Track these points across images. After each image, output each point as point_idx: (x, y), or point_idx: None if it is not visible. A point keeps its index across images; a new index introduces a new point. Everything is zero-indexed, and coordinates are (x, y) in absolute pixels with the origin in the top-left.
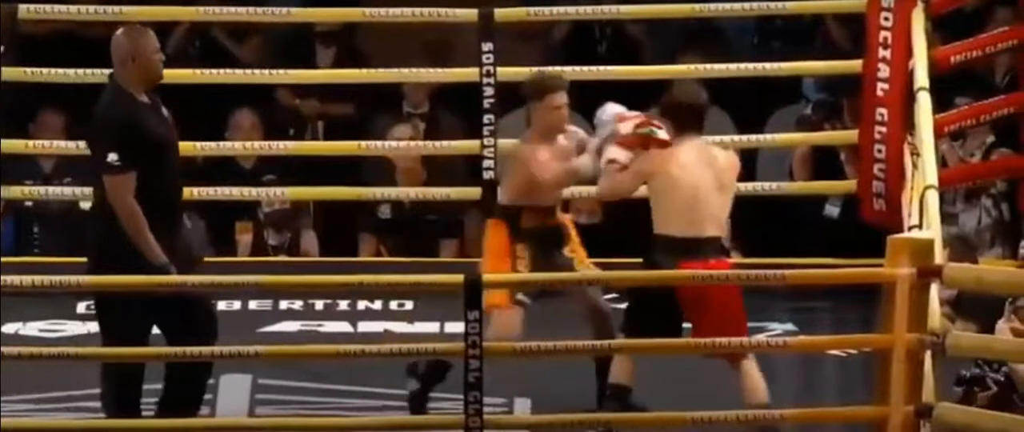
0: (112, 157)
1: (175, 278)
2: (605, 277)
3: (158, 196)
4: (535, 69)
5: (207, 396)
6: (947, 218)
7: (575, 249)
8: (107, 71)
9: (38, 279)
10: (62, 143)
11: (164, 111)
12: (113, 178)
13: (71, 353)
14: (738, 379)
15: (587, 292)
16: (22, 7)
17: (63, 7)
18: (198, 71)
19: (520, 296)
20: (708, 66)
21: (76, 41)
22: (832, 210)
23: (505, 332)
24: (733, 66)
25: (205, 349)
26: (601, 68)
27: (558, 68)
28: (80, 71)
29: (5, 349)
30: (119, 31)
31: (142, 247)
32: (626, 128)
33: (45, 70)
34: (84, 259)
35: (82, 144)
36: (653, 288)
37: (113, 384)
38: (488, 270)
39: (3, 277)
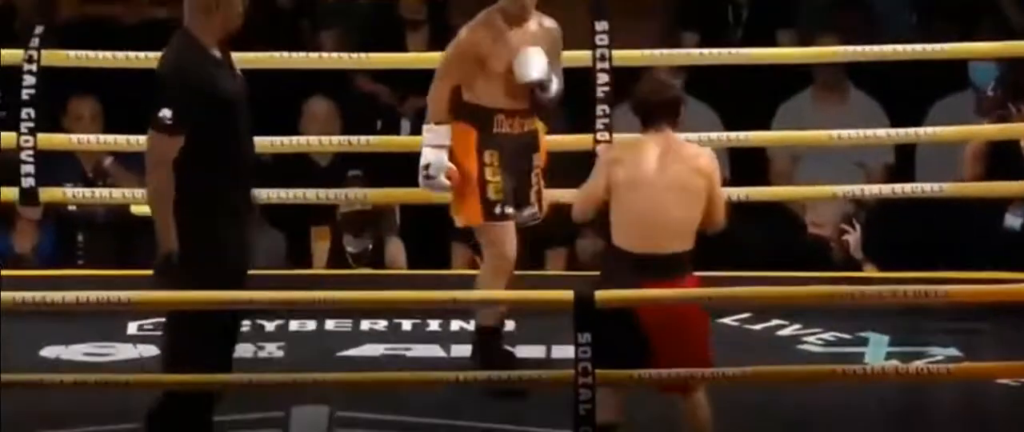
0: (164, 113)
1: (241, 294)
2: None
3: (230, 162)
4: None
5: None
6: None
7: (540, 161)
8: (141, 54)
9: (83, 295)
10: (108, 137)
11: (237, 69)
12: (157, 136)
13: (121, 380)
14: (687, 411)
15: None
16: None
17: None
18: (269, 54)
19: (499, 209)
20: (856, 48)
21: (104, 28)
22: (1014, 221)
23: (506, 249)
24: (887, 48)
25: (277, 378)
26: (733, 51)
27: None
28: (120, 55)
29: (46, 377)
30: None
31: (158, 224)
32: None
33: (87, 53)
34: (135, 271)
35: (133, 138)
36: (613, 311)
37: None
38: (456, 183)
39: (45, 293)
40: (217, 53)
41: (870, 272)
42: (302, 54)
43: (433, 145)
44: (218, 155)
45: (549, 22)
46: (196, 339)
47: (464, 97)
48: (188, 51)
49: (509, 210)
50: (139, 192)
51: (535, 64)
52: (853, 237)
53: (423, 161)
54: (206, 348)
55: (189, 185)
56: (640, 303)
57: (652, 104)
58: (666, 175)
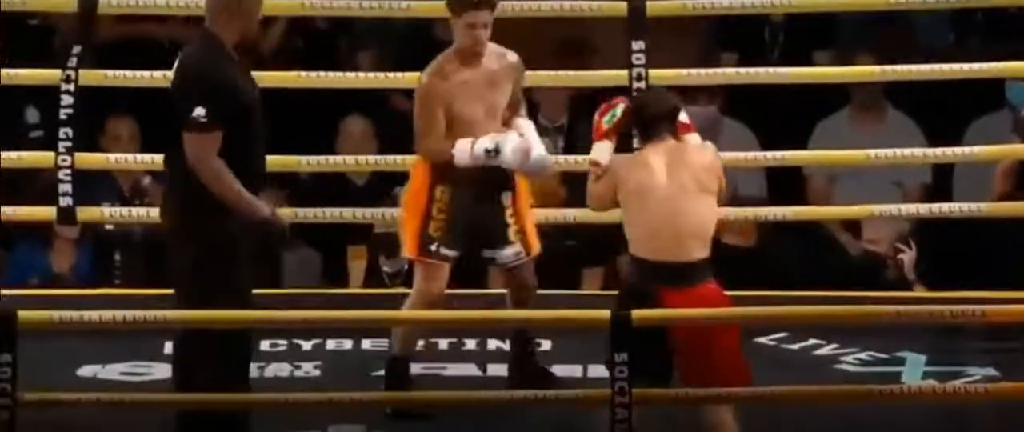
0: (198, 112)
1: (277, 314)
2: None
3: (245, 167)
4: None
5: None
6: None
7: (518, 199)
8: None
9: (120, 314)
10: (145, 157)
11: (251, 73)
12: (197, 136)
13: (160, 399)
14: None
15: (520, 264)
16: (102, 0)
17: None
18: (304, 74)
19: (434, 246)
20: (893, 68)
21: (143, 46)
22: None
23: (433, 288)
24: (924, 67)
25: (314, 397)
26: (770, 70)
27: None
28: (157, 74)
29: (83, 396)
30: None
31: (241, 206)
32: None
33: (124, 73)
34: (171, 290)
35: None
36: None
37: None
38: (405, 209)
39: (82, 312)
40: (235, 56)
41: (920, 292)
42: (338, 74)
43: (466, 148)
44: (235, 159)
45: (511, 56)
46: (213, 349)
47: None
48: (212, 52)
49: (445, 251)
50: None
51: (521, 157)
52: (908, 257)
53: (479, 153)
54: (223, 359)
55: (204, 188)
56: (677, 323)
57: (655, 115)
58: (677, 181)
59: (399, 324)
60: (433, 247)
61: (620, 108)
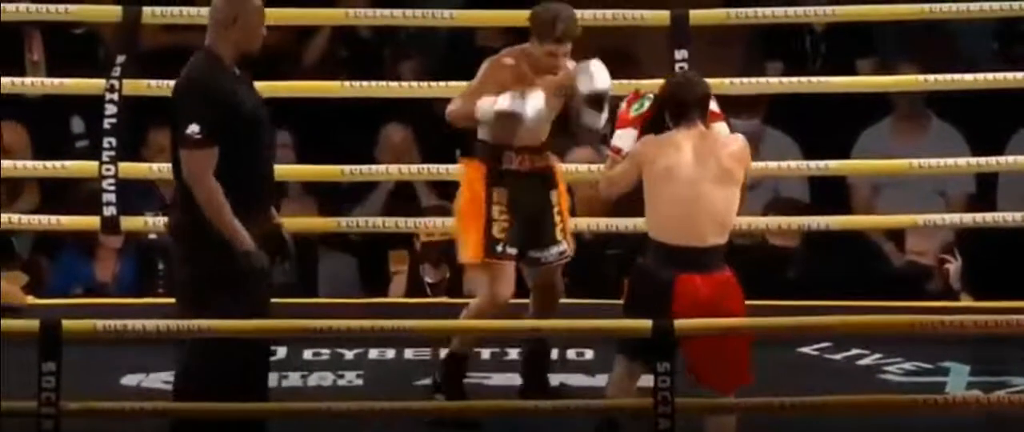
0: (193, 128)
1: (320, 323)
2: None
3: (247, 180)
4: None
5: None
6: None
7: (561, 199)
8: None
9: (163, 324)
10: None
11: (254, 87)
12: (191, 153)
13: (203, 409)
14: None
15: (552, 266)
16: (146, 10)
17: (190, 9)
18: (347, 83)
19: (500, 248)
20: (938, 77)
21: (187, 56)
22: None
23: (499, 290)
24: (968, 76)
25: (356, 406)
26: (812, 79)
27: None
28: None
29: (126, 405)
30: None
31: (225, 232)
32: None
33: (167, 83)
34: None
35: None
36: (645, 300)
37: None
38: (461, 218)
39: (125, 322)
40: (236, 70)
41: (965, 302)
42: (382, 83)
43: (489, 100)
44: (239, 170)
45: (569, 64)
46: (217, 360)
47: (479, 135)
48: (206, 67)
49: (511, 250)
50: None
51: (600, 76)
52: (953, 267)
53: (499, 107)
54: (230, 368)
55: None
56: (719, 333)
57: (688, 100)
58: (704, 167)
59: (447, 332)
60: (499, 248)
61: (648, 99)
